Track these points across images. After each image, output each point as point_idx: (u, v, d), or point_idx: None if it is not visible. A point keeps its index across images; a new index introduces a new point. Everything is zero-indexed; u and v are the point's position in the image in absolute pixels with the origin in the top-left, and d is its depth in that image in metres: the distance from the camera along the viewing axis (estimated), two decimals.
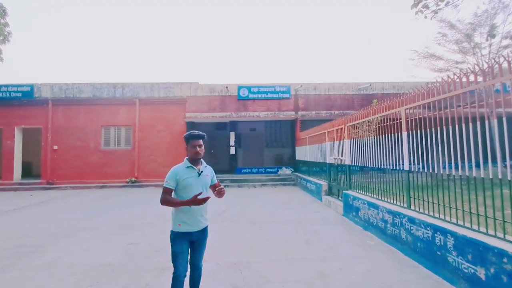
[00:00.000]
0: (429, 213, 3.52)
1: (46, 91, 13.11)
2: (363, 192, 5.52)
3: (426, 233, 3.31)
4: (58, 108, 13.09)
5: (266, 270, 3.40)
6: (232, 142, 13.07)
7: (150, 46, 50.62)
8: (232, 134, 13.12)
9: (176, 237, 2.29)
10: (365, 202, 5.08)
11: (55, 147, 12.92)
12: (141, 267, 3.48)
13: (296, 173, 12.17)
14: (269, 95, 13.16)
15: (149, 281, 3.16)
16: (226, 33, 55.94)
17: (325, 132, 8.17)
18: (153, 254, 4.06)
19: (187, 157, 2.39)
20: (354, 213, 5.61)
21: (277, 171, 13.07)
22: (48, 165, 12.82)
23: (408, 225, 3.69)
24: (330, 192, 7.87)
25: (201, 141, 2.38)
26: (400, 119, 4.29)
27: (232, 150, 13.08)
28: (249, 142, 14.13)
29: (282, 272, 3.36)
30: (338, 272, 3.31)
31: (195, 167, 2.35)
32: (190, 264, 2.40)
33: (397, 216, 3.96)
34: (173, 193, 2.33)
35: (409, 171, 4.07)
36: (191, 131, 2.43)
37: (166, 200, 2.25)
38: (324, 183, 8.05)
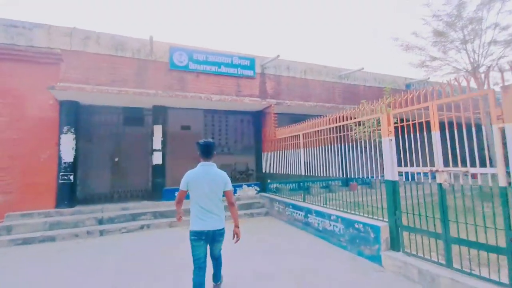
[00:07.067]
0: None
1: None
2: None
3: None
4: None
5: None
6: (157, 144, 7.39)
7: None
8: (158, 130, 7.45)
9: None
10: None
11: None
12: None
13: (268, 195, 7.58)
14: (223, 69, 8.25)
15: None
16: None
17: (379, 117, 3.99)
18: None
19: None
20: None
21: (235, 192, 8.14)
22: None
23: None
24: (395, 245, 3.67)
25: None
26: None
27: (157, 158, 7.37)
28: (185, 144, 8.70)
29: None
30: None
31: None
32: None
33: None
34: None
35: None
36: None
37: None
38: (382, 225, 3.78)
